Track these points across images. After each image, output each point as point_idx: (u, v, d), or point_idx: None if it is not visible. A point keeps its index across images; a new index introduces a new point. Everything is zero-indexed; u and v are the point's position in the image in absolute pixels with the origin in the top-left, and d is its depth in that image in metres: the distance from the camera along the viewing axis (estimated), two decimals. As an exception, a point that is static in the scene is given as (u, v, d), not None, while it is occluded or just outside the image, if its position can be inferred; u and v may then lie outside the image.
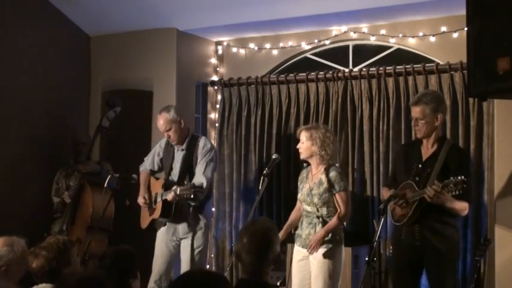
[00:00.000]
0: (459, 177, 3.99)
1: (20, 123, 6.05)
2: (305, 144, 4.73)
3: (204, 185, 5.04)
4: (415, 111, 4.30)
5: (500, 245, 5.16)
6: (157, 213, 5.20)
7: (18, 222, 5.45)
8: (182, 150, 5.27)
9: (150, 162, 5.48)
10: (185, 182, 5.07)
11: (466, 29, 4.17)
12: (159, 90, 6.42)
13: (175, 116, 5.22)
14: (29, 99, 6.14)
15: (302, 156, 4.80)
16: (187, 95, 6.49)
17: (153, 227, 5.38)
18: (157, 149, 5.47)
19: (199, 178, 5.10)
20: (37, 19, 6.26)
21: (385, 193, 4.47)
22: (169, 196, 4.96)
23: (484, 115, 5.39)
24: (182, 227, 5.21)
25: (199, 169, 5.16)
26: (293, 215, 4.94)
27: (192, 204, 5.15)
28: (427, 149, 4.32)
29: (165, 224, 5.27)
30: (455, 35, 5.53)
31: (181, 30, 6.40)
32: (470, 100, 5.37)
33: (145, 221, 5.40)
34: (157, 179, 5.42)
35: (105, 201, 5.43)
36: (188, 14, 6.17)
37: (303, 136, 4.74)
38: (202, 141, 5.28)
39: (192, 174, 5.20)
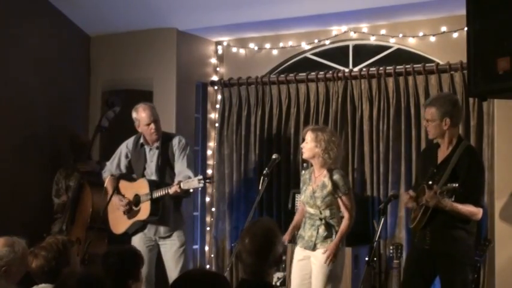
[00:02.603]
0: (453, 185, 3.99)
1: (20, 123, 6.05)
2: (309, 145, 4.70)
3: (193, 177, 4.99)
4: (426, 112, 4.31)
5: (500, 245, 5.16)
6: (144, 214, 5.06)
7: (18, 223, 5.44)
8: (157, 148, 5.16)
9: (115, 166, 5.29)
10: (181, 180, 4.92)
11: (466, 29, 4.17)
12: (159, 90, 6.41)
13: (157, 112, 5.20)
14: (29, 100, 6.14)
15: (304, 156, 4.79)
16: (187, 95, 6.49)
17: (126, 232, 5.23)
18: (124, 151, 5.31)
19: (187, 172, 5.02)
20: (37, 19, 6.26)
21: (405, 193, 4.45)
22: (172, 190, 4.86)
23: (484, 115, 5.39)
24: (164, 226, 5.12)
25: (182, 163, 5.08)
26: (297, 217, 4.93)
27: (184, 197, 5.10)
28: (443, 152, 4.28)
29: (143, 226, 5.16)
30: (455, 35, 5.53)
31: (181, 30, 6.39)
32: (470, 100, 5.37)
33: (121, 225, 5.24)
34: (129, 180, 5.24)
35: (105, 201, 5.41)
36: (188, 14, 6.17)
37: (308, 136, 4.72)
38: (176, 138, 5.20)
39: (171, 171, 5.13)
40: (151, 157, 5.19)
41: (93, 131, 6.05)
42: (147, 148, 5.21)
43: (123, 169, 5.30)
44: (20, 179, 6.01)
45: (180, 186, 4.83)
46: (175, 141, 5.17)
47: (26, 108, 6.10)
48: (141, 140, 5.23)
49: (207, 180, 4.81)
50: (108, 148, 6.60)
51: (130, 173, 5.32)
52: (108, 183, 5.22)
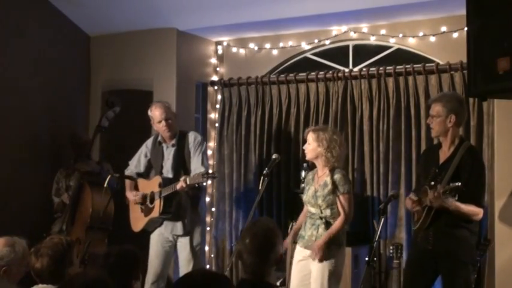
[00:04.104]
0: (456, 184, 3.99)
1: (20, 123, 6.04)
2: (311, 146, 4.71)
3: None
4: (432, 109, 4.31)
5: (500, 245, 5.17)
6: (156, 212, 5.14)
7: (18, 222, 5.44)
8: (173, 145, 5.24)
9: (135, 164, 5.41)
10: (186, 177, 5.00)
11: (466, 29, 4.17)
12: (159, 90, 6.41)
13: (172, 109, 5.30)
14: (29, 99, 6.14)
15: (308, 157, 4.79)
16: (187, 95, 6.49)
17: (145, 230, 5.29)
18: (144, 150, 5.41)
19: (201, 169, 5.05)
20: (37, 19, 6.26)
21: (408, 199, 4.44)
22: (179, 186, 4.91)
23: (484, 115, 5.39)
24: (180, 224, 5.17)
25: (196, 161, 5.13)
26: (301, 218, 4.93)
27: (197, 193, 5.14)
28: (445, 153, 4.28)
29: (161, 224, 5.22)
30: (455, 35, 5.53)
31: (181, 30, 6.40)
32: (470, 100, 5.36)
33: (139, 223, 5.31)
34: (145, 179, 5.36)
35: (105, 201, 5.42)
36: (188, 14, 6.17)
37: (310, 137, 4.72)
38: (192, 135, 5.27)
39: (186, 168, 5.17)
40: (168, 155, 5.26)
41: (93, 131, 6.06)
42: (164, 146, 5.29)
43: (142, 168, 5.40)
44: (20, 178, 6.00)
45: (186, 182, 4.87)
46: (191, 139, 5.23)
47: (26, 108, 6.10)
48: (159, 138, 5.32)
49: (211, 175, 4.82)
50: (108, 148, 6.62)
51: (149, 172, 5.40)
52: (126, 180, 5.34)
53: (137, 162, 5.41)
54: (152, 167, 5.39)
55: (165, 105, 5.25)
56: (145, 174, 5.42)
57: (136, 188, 5.35)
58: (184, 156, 5.20)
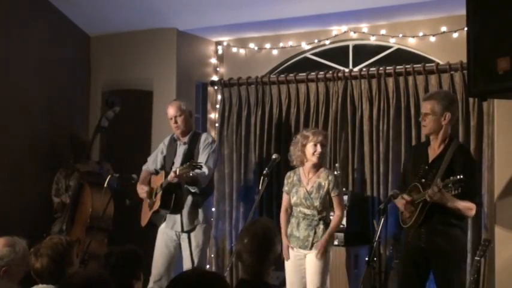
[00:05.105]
0: (457, 176, 3.97)
1: (20, 123, 6.04)
2: (324, 149, 4.87)
3: (206, 172, 5.04)
4: (425, 106, 4.27)
5: (500, 245, 5.17)
6: (156, 205, 5.19)
7: (18, 223, 5.45)
8: (184, 143, 5.32)
9: (152, 160, 5.51)
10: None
11: (466, 29, 4.17)
12: (159, 90, 6.42)
13: (188, 106, 5.37)
14: (29, 100, 6.14)
15: (319, 161, 4.86)
16: (187, 95, 6.48)
17: (153, 224, 5.35)
18: (161, 147, 5.51)
19: (203, 168, 5.08)
20: (37, 19, 6.26)
21: (400, 199, 4.43)
22: (169, 176, 4.97)
23: (484, 115, 5.39)
24: (179, 220, 5.17)
25: (201, 160, 5.17)
26: (284, 218, 4.99)
27: (192, 190, 5.14)
28: (434, 150, 4.27)
29: (165, 219, 5.27)
30: (455, 35, 5.54)
31: (181, 30, 6.40)
32: (470, 100, 5.37)
33: (145, 218, 5.38)
34: (155, 175, 5.44)
35: (105, 201, 5.43)
36: (188, 14, 6.18)
37: (324, 141, 4.89)
38: (204, 135, 5.37)
39: None
40: (180, 152, 5.34)
41: (93, 131, 6.06)
42: (178, 143, 5.38)
43: (159, 165, 5.47)
44: (20, 178, 6.00)
45: (176, 173, 4.90)
46: (202, 138, 5.32)
47: (26, 108, 6.10)
48: (175, 136, 5.42)
49: (197, 166, 4.83)
50: (108, 148, 6.62)
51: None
52: (141, 174, 5.40)
53: (154, 159, 5.50)
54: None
55: (178, 103, 5.34)
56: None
57: (149, 183, 5.41)
58: (193, 155, 5.25)
